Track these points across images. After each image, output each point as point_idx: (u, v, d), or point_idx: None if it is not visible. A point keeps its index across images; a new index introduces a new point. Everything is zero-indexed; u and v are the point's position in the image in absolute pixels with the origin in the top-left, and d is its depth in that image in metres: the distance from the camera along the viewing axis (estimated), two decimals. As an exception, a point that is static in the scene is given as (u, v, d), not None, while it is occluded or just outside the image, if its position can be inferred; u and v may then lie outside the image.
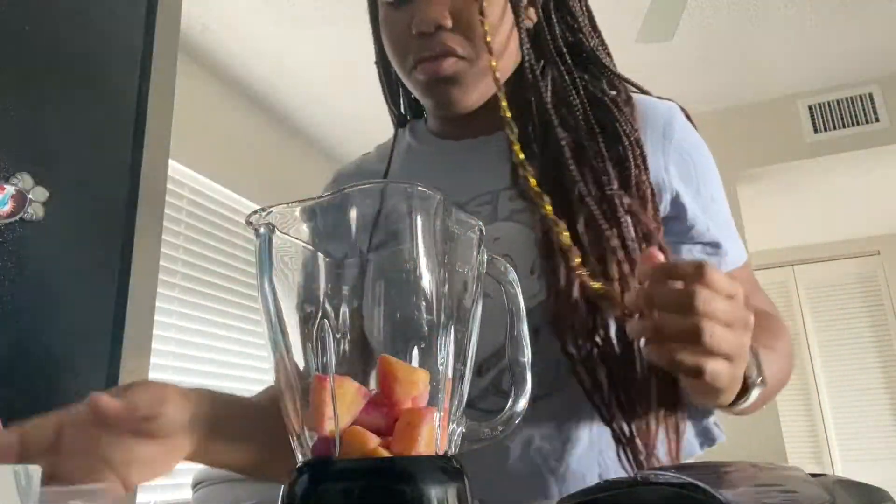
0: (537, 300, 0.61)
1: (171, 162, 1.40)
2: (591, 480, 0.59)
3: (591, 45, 0.74)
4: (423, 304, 0.40)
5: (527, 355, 0.48)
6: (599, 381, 0.59)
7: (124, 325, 0.78)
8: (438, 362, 0.40)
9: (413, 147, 0.79)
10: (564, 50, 0.71)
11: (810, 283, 4.47)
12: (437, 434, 0.39)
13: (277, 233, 0.40)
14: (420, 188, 0.41)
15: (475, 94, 0.68)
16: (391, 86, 0.82)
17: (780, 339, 0.65)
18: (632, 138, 0.65)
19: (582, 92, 0.69)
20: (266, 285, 0.40)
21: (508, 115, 0.62)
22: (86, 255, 0.76)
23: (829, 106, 2.98)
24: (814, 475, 0.38)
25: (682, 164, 0.68)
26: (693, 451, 0.66)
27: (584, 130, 0.66)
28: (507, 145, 0.64)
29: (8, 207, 0.66)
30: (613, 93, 0.71)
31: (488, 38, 0.64)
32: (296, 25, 2.41)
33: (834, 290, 4.41)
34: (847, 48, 2.71)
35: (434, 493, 0.36)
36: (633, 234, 0.61)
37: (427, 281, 0.41)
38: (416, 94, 0.72)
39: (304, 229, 0.41)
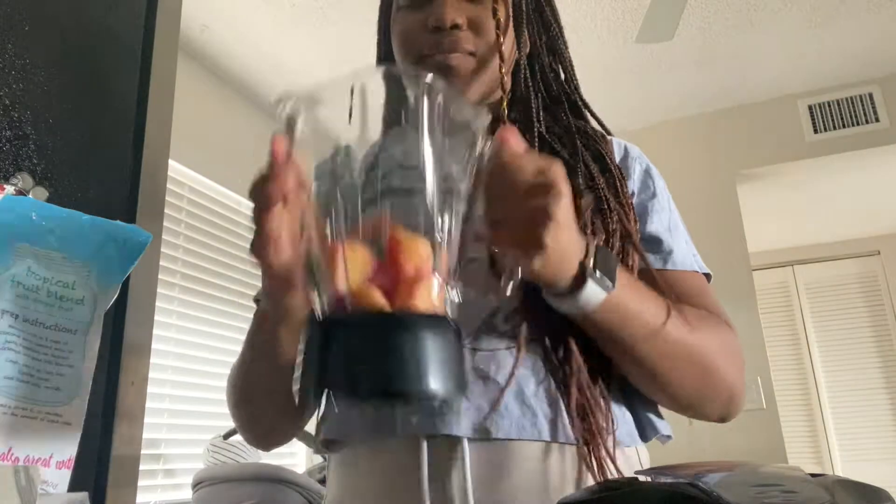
0: None
1: (171, 162, 1.40)
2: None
3: (573, 87, 0.83)
4: (426, 181, 0.45)
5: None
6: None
7: (124, 325, 0.78)
8: (436, 232, 0.45)
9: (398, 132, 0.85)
10: (553, 86, 0.80)
11: (810, 283, 4.47)
12: (434, 295, 0.44)
13: (302, 115, 0.46)
14: (429, 79, 0.45)
15: (474, 91, 0.74)
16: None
17: (699, 322, 0.68)
18: (613, 160, 0.74)
19: (569, 119, 0.77)
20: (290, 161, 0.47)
21: (505, 113, 0.71)
22: (86, 255, 0.76)
23: (830, 106, 2.98)
24: (814, 475, 0.38)
25: (640, 175, 0.77)
26: (632, 441, 0.68)
27: (571, 147, 0.73)
28: None
29: (8, 207, 0.66)
30: (589, 128, 0.80)
31: (501, 40, 0.72)
32: (296, 25, 2.41)
33: (834, 290, 4.41)
34: (847, 48, 2.71)
35: (430, 341, 0.41)
36: (615, 229, 0.69)
37: (428, 156, 0.45)
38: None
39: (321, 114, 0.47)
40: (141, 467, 0.81)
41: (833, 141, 2.95)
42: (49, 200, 0.70)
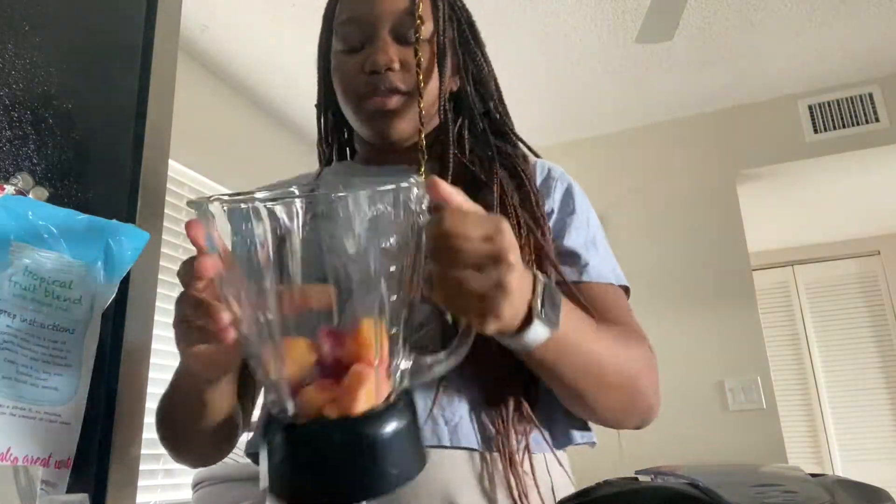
0: None
1: (171, 162, 1.40)
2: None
3: (500, 113, 0.90)
4: (362, 254, 0.42)
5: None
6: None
7: (124, 325, 0.77)
8: (378, 313, 0.42)
9: (338, 171, 0.91)
10: (478, 114, 0.87)
11: (810, 283, 4.47)
12: (379, 384, 0.42)
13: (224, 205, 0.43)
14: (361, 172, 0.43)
15: (410, 127, 0.81)
16: (325, 128, 0.94)
17: (625, 343, 0.71)
18: (530, 178, 0.80)
19: (492, 141, 0.84)
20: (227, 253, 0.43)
21: (423, 143, 0.79)
22: (86, 255, 0.76)
23: (829, 106, 2.98)
24: (814, 475, 0.38)
25: (560, 195, 0.82)
26: (539, 448, 0.70)
27: (488, 170, 0.79)
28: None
29: (8, 207, 0.66)
30: (514, 150, 0.86)
31: (422, 84, 0.80)
32: (296, 25, 2.41)
33: (834, 290, 4.41)
34: (847, 48, 2.71)
35: (380, 444, 0.39)
36: (523, 244, 0.72)
37: (364, 232, 0.42)
38: (358, 123, 0.84)
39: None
40: (141, 467, 0.81)
41: (833, 141, 2.95)
42: (49, 200, 0.70)
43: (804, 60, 2.79)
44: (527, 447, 0.68)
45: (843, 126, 2.94)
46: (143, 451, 0.82)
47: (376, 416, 0.41)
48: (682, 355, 2.84)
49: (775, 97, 3.06)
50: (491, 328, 0.52)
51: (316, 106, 0.94)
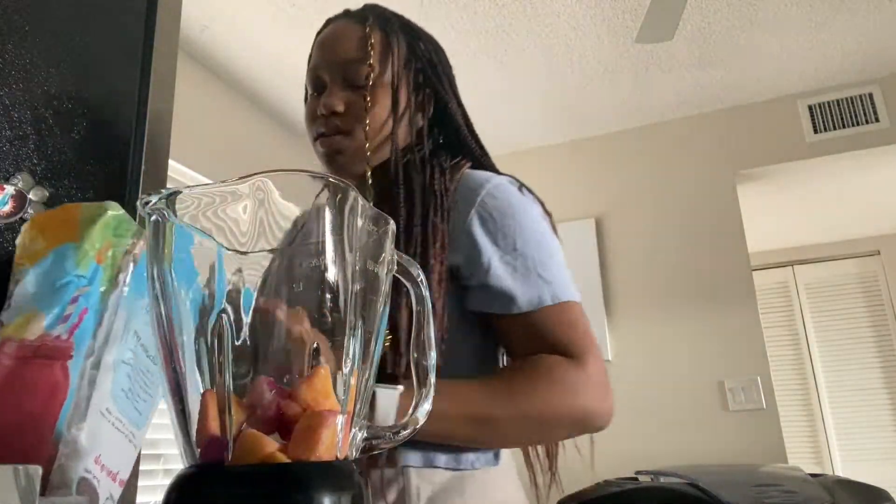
0: None
1: (171, 162, 1.40)
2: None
3: (469, 139, 0.95)
4: (330, 301, 0.39)
5: (432, 358, 0.47)
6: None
7: (124, 326, 0.77)
8: (344, 363, 0.38)
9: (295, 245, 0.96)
10: (437, 145, 0.94)
11: (810, 283, 4.47)
12: (338, 438, 0.37)
13: (174, 219, 0.38)
14: (332, 180, 0.40)
15: (355, 163, 0.88)
16: None
17: (522, 387, 0.75)
18: (440, 191, 0.83)
19: (429, 167, 0.88)
20: (156, 276, 0.38)
21: (370, 180, 0.85)
22: (86, 256, 0.76)
23: (829, 106, 2.97)
24: (814, 475, 0.38)
25: (483, 219, 0.83)
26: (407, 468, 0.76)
27: (415, 193, 0.84)
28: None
29: (8, 207, 0.66)
30: (447, 163, 0.90)
31: (366, 122, 0.86)
32: (296, 25, 2.41)
33: (834, 290, 4.41)
34: (847, 48, 2.71)
35: (328, 501, 0.34)
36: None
37: (335, 277, 0.39)
38: (317, 159, 0.92)
39: (205, 218, 0.39)
40: (141, 467, 0.81)
41: (833, 141, 2.95)
42: (49, 201, 0.70)
43: (804, 60, 2.79)
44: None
45: (843, 126, 2.94)
46: (143, 452, 0.82)
47: (337, 464, 0.36)
48: (683, 355, 2.84)
49: (775, 97, 3.06)
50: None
51: None
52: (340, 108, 0.87)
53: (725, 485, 0.33)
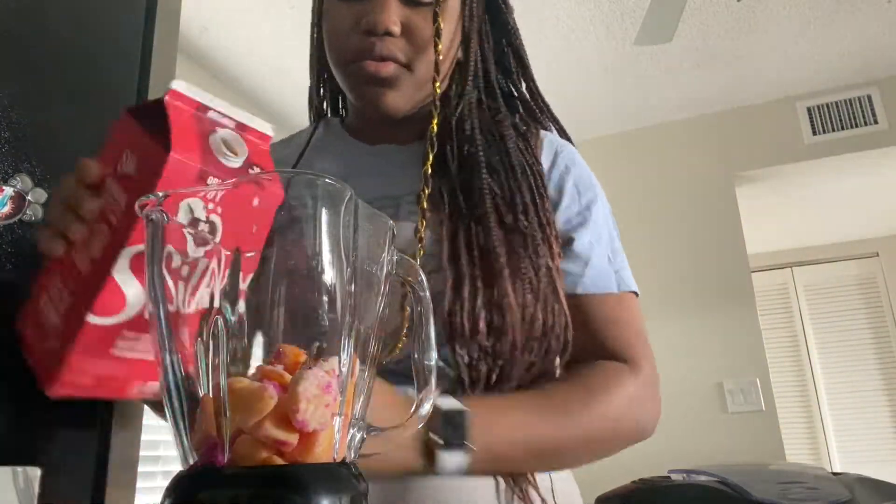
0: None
1: (170, 163, 1.39)
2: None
3: (532, 87, 0.80)
4: (326, 302, 0.38)
5: (432, 359, 0.46)
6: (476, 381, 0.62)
7: (123, 327, 0.77)
8: (341, 364, 0.38)
9: (323, 141, 0.80)
10: (496, 88, 0.77)
11: (809, 285, 4.47)
12: (336, 440, 0.37)
13: (171, 220, 0.38)
14: (328, 180, 0.40)
15: (406, 101, 0.71)
16: (319, 78, 0.83)
17: (570, 399, 0.64)
18: (536, 169, 0.71)
19: (500, 125, 0.73)
20: (156, 276, 0.37)
21: (434, 131, 0.68)
22: (85, 257, 0.76)
23: (828, 108, 2.98)
24: (835, 473, 0.39)
25: (557, 186, 0.73)
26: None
27: (497, 159, 0.70)
28: (415, 157, 0.70)
29: (7, 209, 0.66)
30: (524, 127, 0.76)
31: (440, 58, 0.69)
32: (295, 26, 2.41)
33: (833, 292, 4.41)
34: (846, 50, 2.72)
35: (327, 503, 0.33)
36: (531, 264, 0.65)
37: (331, 278, 0.38)
38: (346, 88, 0.73)
39: (201, 218, 0.39)
40: (140, 469, 0.81)
41: (832, 143, 2.96)
42: (48, 202, 0.70)
43: (803, 62, 2.79)
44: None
45: (842, 128, 2.94)
46: (141, 453, 0.82)
47: (336, 466, 0.36)
48: (682, 357, 2.84)
49: (774, 99, 3.06)
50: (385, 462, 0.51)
51: (310, 55, 0.84)
52: (397, 28, 0.68)
53: (752, 482, 0.35)
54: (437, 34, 0.68)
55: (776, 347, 4.27)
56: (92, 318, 0.46)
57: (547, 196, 0.70)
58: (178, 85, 0.43)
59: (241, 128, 0.45)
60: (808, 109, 3.00)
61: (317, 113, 0.86)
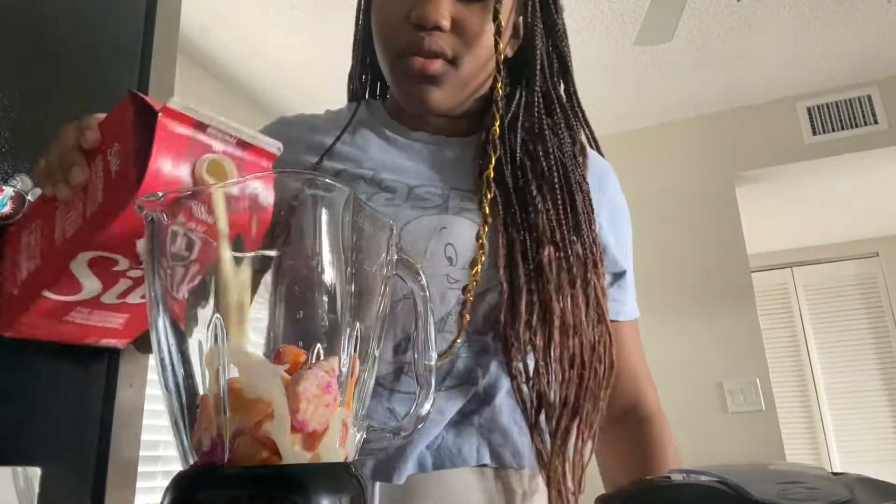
0: (459, 290, 0.65)
1: (170, 163, 1.39)
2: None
3: (571, 91, 0.77)
4: (326, 302, 0.38)
5: (432, 359, 0.46)
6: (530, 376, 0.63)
7: (123, 327, 0.77)
8: (341, 364, 0.38)
9: (366, 121, 0.78)
10: (552, 93, 0.75)
11: (809, 285, 4.47)
12: (336, 439, 0.37)
13: (171, 220, 0.38)
14: (327, 180, 0.39)
15: (452, 99, 0.70)
16: (363, 61, 0.82)
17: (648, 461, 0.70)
18: (585, 189, 0.70)
19: (549, 135, 0.71)
20: (157, 277, 0.37)
21: (497, 133, 0.67)
22: (85, 257, 0.76)
23: (828, 108, 2.98)
24: (835, 473, 0.39)
25: (612, 215, 0.75)
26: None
27: (553, 174, 0.69)
28: (461, 152, 0.70)
29: (7, 209, 0.66)
30: (569, 141, 0.73)
31: (500, 57, 0.67)
32: (295, 27, 2.41)
33: (833, 292, 4.41)
34: (846, 50, 2.72)
35: (327, 502, 0.33)
36: (581, 283, 0.65)
37: (331, 278, 0.38)
38: (391, 81, 0.72)
39: (200, 217, 0.39)
40: (140, 469, 0.81)
41: (832, 143, 2.96)
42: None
43: (803, 62, 2.79)
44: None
45: (842, 128, 2.94)
46: (141, 453, 0.82)
47: (335, 466, 0.36)
48: (682, 357, 2.84)
49: (774, 99, 3.06)
50: None
51: (354, 39, 0.82)
52: (447, 23, 0.66)
53: (752, 482, 0.35)
54: (498, 32, 0.66)
55: (776, 347, 4.27)
56: (48, 294, 0.48)
57: (593, 216, 0.70)
58: (173, 103, 0.42)
59: (242, 145, 0.44)
60: (808, 109, 3.00)
61: (354, 95, 0.84)
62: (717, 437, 2.76)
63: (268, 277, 0.39)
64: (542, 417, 0.63)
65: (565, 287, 0.64)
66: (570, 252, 0.66)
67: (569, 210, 0.67)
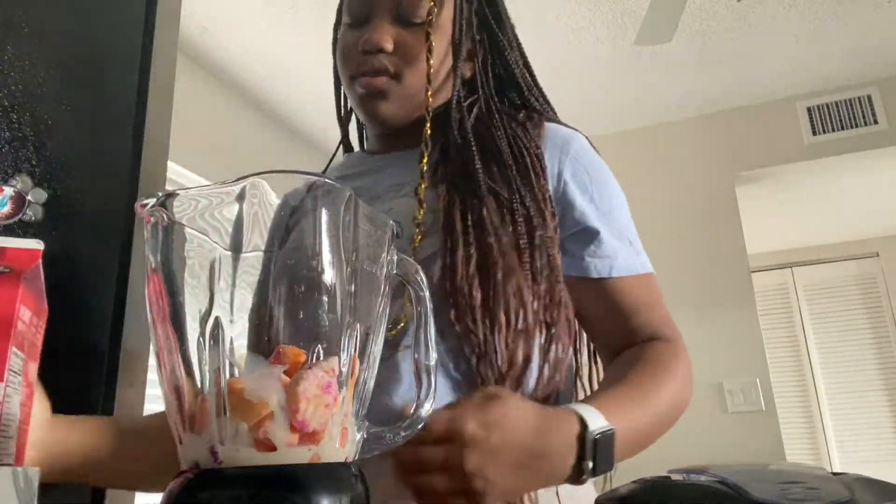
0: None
1: (170, 164, 1.40)
2: None
3: (524, 90, 0.84)
4: (326, 301, 0.38)
5: (433, 359, 0.47)
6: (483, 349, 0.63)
7: (123, 328, 0.77)
8: (341, 364, 0.38)
9: (344, 163, 0.89)
10: (493, 95, 0.81)
11: (809, 285, 4.47)
12: (336, 439, 0.37)
13: (171, 220, 0.38)
14: (327, 181, 0.40)
15: (401, 111, 0.78)
16: (344, 109, 0.91)
17: (654, 385, 0.68)
18: (532, 151, 0.74)
19: (499, 119, 0.78)
20: (158, 277, 0.38)
21: (429, 132, 0.74)
22: (85, 258, 0.77)
23: (828, 108, 2.98)
24: (835, 473, 0.39)
25: (578, 173, 0.76)
26: None
27: (493, 144, 0.74)
28: (419, 156, 0.75)
29: (7, 209, 0.66)
30: (522, 115, 0.80)
31: (431, 72, 0.75)
32: (296, 27, 2.41)
33: (833, 292, 4.41)
34: (846, 50, 2.72)
35: (327, 502, 0.34)
36: (526, 236, 0.68)
37: (331, 278, 0.39)
38: (353, 104, 0.81)
39: (202, 220, 0.39)
40: (140, 469, 0.81)
41: (832, 143, 2.96)
42: (48, 202, 0.70)
43: (803, 62, 2.79)
44: None
45: (842, 128, 2.94)
46: (141, 453, 0.82)
47: (334, 466, 0.36)
48: (681, 357, 2.84)
49: (774, 99, 3.06)
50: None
51: (334, 85, 0.90)
52: (389, 46, 0.75)
53: (752, 482, 0.35)
54: (430, 49, 0.75)
55: (776, 347, 4.27)
56: None
57: (544, 174, 0.73)
58: None
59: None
60: (808, 109, 3.00)
61: (342, 124, 0.92)
62: (717, 437, 2.76)
63: (268, 277, 0.39)
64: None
65: (506, 241, 0.67)
66: (514, 206, 0.69)
67: (514, 170, 0.72)
